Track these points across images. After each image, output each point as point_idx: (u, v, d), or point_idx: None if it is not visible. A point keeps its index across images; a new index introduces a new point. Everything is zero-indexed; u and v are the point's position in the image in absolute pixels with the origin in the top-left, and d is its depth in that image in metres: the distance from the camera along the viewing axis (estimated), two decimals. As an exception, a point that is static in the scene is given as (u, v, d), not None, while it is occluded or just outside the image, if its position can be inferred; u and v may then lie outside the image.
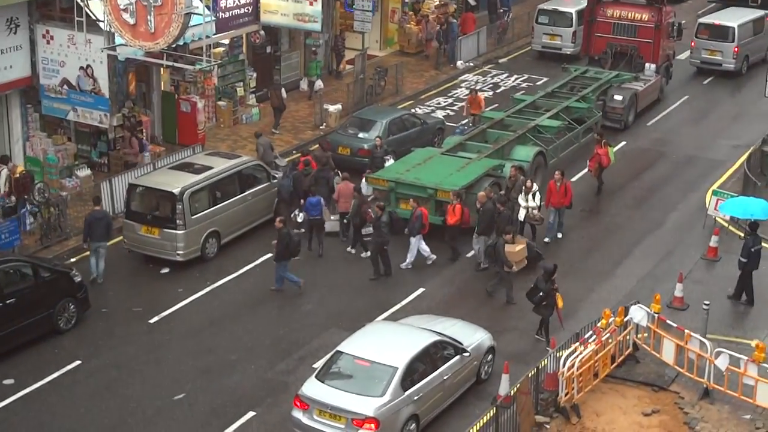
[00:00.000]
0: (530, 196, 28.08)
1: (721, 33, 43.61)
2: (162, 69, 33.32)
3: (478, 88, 40.70)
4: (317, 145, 31.90)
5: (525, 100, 36.03)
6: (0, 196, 27.62)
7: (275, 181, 29.40)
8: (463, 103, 38.11)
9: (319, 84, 37.96)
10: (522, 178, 28.85)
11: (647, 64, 39.79)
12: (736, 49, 43.34)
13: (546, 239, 28.40)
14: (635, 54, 39.89)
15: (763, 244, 25.86)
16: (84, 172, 30.78)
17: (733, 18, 44.32)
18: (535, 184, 28.49)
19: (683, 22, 42.99)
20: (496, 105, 38.37)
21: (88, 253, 26.83)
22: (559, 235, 28.90)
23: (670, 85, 41.88)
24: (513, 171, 29.04)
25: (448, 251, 27.66)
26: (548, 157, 32.18)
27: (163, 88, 34.59)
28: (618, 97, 37.59)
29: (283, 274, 25.85)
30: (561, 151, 33.15)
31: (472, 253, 27.52)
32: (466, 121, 36.56)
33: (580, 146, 34.02)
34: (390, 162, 31.06)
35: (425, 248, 27.27)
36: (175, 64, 29.06)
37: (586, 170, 32.30)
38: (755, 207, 26.16)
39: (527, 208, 28.00)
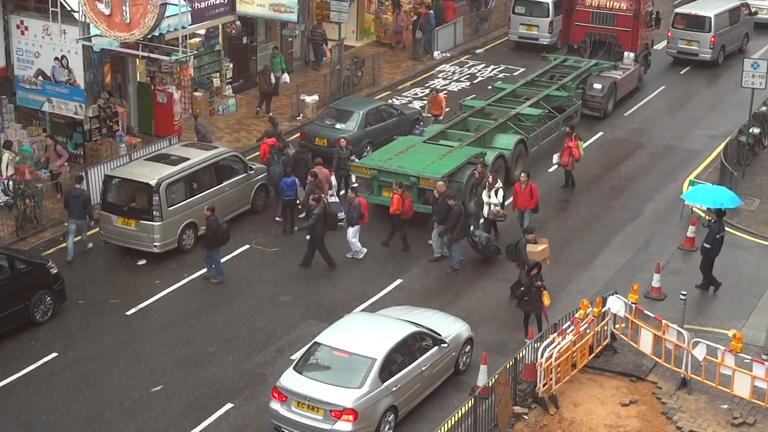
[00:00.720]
0: (492, 193, 27.90)
1: (697, 23, 43.76)
2: (138, 60, 33.17)
3: (440, 87, 40.27)
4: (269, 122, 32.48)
5: (505, 89, 36.15)
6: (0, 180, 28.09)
7: (252, 172, 29.34)
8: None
9: (285, 78, 37.73)
10: (487, 174, 28.70)
11: (626, 53, 40.04)
12: (712, 39, 43.50)
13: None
14: (614, 43, 40.19)
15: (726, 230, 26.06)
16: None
17: (710, 8, 44.47)
18: (498, 181, 28.25)
19: (660, 11, 43.13)
20: (474, 95, 38.32)
21: (64, 245, 26.78)
22: None
23: (646, 75, 42.00)
24: (480, 168, 28.92)
25: (425, 247, 27.78)
26: (529, 145, 32.43)
27: (138, 79, 34.47)
28: (597, 86, 37.83)
29: (216, 263, 26.00)
30: (542, 139, 33.40)
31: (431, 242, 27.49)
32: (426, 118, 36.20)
33: (560, 134, 34.06)
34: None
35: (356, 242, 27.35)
36: (151, 55, 29.01)
37: (556, 166, 32.09)
38: (723, 196, 26.29)
39: (489, 204, 27.87)
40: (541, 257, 24.62)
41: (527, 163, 31.81)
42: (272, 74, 37.74)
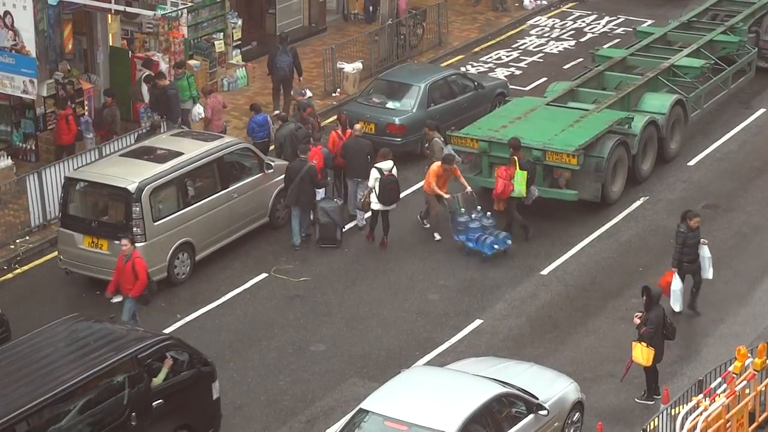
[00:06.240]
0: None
1: None
2: (110, 16, 33.35)
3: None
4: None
5: (653, 34, 37.35)
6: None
7: (270, 171, 29.29)
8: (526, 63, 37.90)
9: (198, 111, 36.22)
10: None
11: None
12: None
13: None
14: None
15: None
16: (3, 161, 30.95)
17: None
18: (390, 160, 28.62)
19: None
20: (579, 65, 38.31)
21: (10, 275, 26.94)
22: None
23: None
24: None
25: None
26: (688, 108, 33.34)
27: (111, 43, 34.64)
28: None
29: None
30: (705, 100, 34.37)
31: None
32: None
33: (729, 94, 35.20)
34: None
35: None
36: (128, 9, 29.19)
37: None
38: None
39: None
40: None
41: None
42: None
